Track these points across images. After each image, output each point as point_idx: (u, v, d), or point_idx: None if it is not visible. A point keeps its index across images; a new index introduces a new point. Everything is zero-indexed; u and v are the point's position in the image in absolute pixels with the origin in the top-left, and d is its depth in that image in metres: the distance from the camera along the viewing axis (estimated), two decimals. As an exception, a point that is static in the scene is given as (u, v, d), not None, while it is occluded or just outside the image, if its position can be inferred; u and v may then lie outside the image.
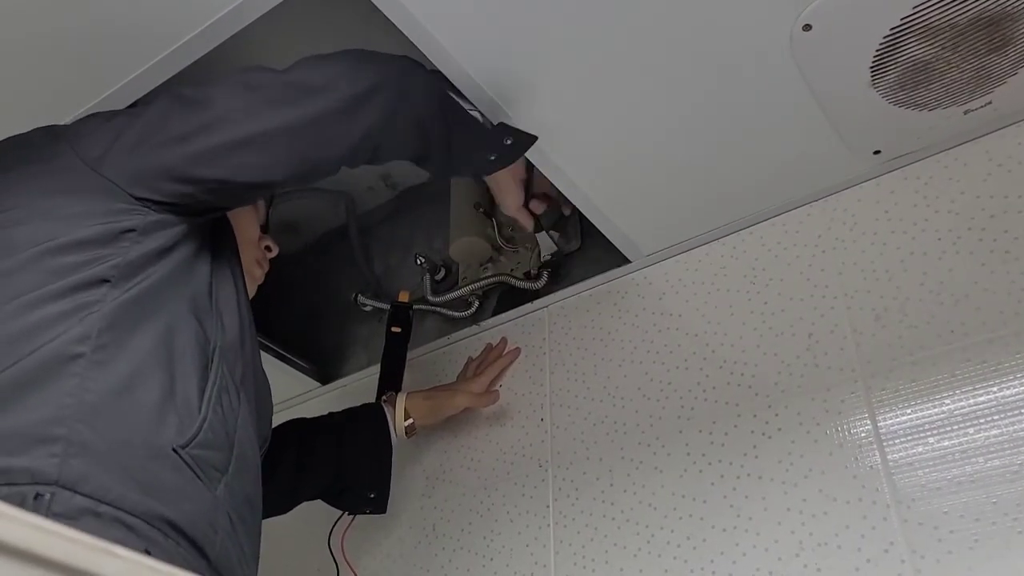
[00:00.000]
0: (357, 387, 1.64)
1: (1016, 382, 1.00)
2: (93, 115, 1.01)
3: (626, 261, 1.37)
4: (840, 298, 1.17)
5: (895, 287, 1.13)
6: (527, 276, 1.47)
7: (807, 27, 0.97)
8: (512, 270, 1.50)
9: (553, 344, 1.43)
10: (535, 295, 1.47)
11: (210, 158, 0.94)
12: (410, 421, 1.37)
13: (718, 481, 1.16)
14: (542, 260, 1.46)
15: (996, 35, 0.95)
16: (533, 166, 1.24)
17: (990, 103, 1.06)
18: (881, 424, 1.07)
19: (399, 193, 1.72)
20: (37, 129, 1.00)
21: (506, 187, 1.24)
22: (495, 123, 1.11)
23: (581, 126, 1.12)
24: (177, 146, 0.93)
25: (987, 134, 1.13)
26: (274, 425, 1.19)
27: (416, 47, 1.02)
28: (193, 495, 0.82)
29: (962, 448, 1.00)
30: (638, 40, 1.01)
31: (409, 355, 1.53)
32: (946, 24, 0.94)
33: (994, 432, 0.99)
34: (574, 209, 1.30)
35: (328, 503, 1.37)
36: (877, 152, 1.16)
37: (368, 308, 1.67)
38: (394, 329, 1.52)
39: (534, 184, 1.28)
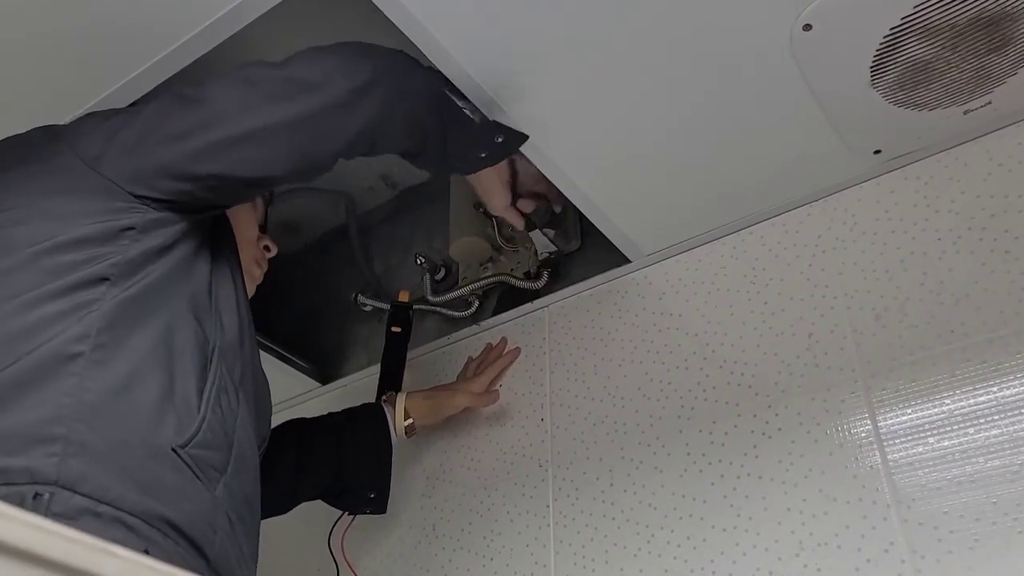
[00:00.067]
0: (357, 387, 1.64)
1: (1016, 382, 1.00)
2: (91, 114, 1.01)
3: (626, 261, 1.37)
4: (840, 298, 1.17)
5: (895, 287, 1.13)
6: (527, 276, 1.47)
7: (807, 27, 0.97)
8: (512, 270, 1.50)
9: (553, 344, 1.43)
10: (535, 295, 1.47)
11: (209, 154, 0.93)
12: (410, 421, 1.37)
13: (718, 481, 1.16)
14: (540, 259, 1.46)
15: (996, 35, 0.95)
16: (517, 169, 1.24)
17: (990, 103, 1.06)
18: (881, 424, 1.07)
19: (399, 193, 1.72)
20: (36, 129, 1.00)
21: (490, 187, 1.24)
22: (493, 120, 1.11)
23: (581, 126, 1.12)
24: (175, 143, 0.93)
25: (987, 134, 1.13)
26: (273, 425, 1.19)
27: (416, 47, 1.02)
28: (192, 495, 0.82)
29: (962, 448, 1.00)
30: (638, 40, 1.01)
31: (409, 355, 1.52)
32: (946, 24, 0.94)
33: (994, 432, 0.99)
34: (573, 208, 1.30)
35: (328, 503, 1.37)
36: (877, 152, 1.16)
37: (368, 308, 1.67)
38: (394, 329, 1.52)
39: (521, 183, 1.27)
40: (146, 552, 0.74)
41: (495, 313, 1.52)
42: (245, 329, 1.01)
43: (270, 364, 1.57)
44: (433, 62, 1.04)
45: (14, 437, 0.73)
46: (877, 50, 0.98)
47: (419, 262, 1.58)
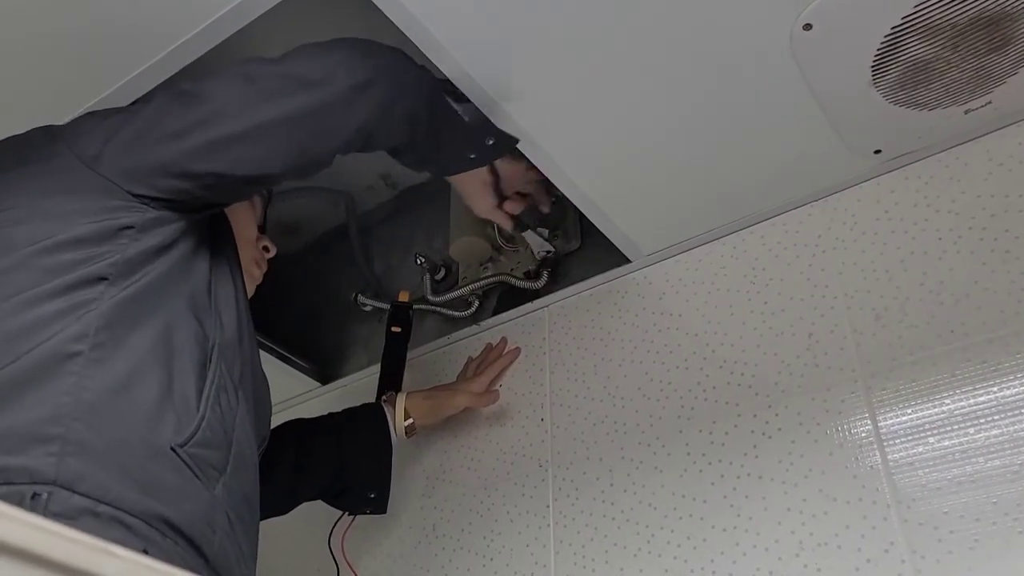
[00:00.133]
0: (357, 387, 1.64)
1: (1016, 382, 1.00)
2: (90, 114, 1.01)
3: (626, 261, 1.37)
4: (840, 298, 1.17)
5: (895, 287, 1.13)
6: (527, 276, 1.47)
7: (807, 26, 0.97)
8: (512, 270, 1.50)
9: (553, 344, 1.43)
10: (535, 295, 1.47)
11: (207, 152, 0.93)
12: (410, 421, 1.37)
13: (718, 481, 1.16)
14: (538, 259, 1.46)
15: (996, 35, 0.95)
16: (499, 171, 1.24)
17: (990, 103, 1.06)
18: (881, 424, 1.06)
19: (399, 193, 1.71)
20: (35, 129, 1.00)
21: (472, 190, 1.24)
22: (485, 122, 1.11)
23: (581, 125, 1.12)
24: (174, 142, 0.93)
25: (987, 133, 1.13)
26: (273, 425, 1.18)
27: (416, 46, 1.02)
28: (191, 494, 0.82)
29: (962, 448, 1.00)
30: (638, 40, 1.01)
31: (409, 355, 1.52)
32: (947, 24, 0.94)
33: (994, 432, 0.99)
34: (572, 208, 1.30)
35: (328, 503, 1.37)
36: (877, 152, 1.16)
37: (368, 308, 1.67)
38: (394, 329, 1.52)
39: (507, 185, 1.27)
40: (145, 552, 0.74)
41: (495, 313, 1.52)
42: (244, 328, 1.01)
43: (270, 364, 1.57)
44: (433, 62, 1.04)
45: (13, 436, 0.73)
46: (878, 50, 0.98)
47: (419, 262, 1.58)
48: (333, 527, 1.43)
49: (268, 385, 1.09)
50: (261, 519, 1.01)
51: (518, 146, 1.16)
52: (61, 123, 1.01)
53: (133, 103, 1.11)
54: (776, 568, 1.07)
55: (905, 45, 0.97)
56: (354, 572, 1.44)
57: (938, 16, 0.93)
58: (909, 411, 1.05)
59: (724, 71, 1.04)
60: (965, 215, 1.11)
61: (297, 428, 1.36)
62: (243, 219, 1.16)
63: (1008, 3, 0.92)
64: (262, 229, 1.24)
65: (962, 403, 1.02)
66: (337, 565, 1.42)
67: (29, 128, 1.01)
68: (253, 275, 1.19)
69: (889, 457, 1.04)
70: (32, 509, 0.70)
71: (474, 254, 1.51)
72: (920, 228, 1.14)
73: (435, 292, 1.57)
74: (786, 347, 1.18)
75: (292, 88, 0.96)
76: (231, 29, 1.04)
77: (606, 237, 1.31)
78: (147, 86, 1.11)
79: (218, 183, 0.96)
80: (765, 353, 1.20)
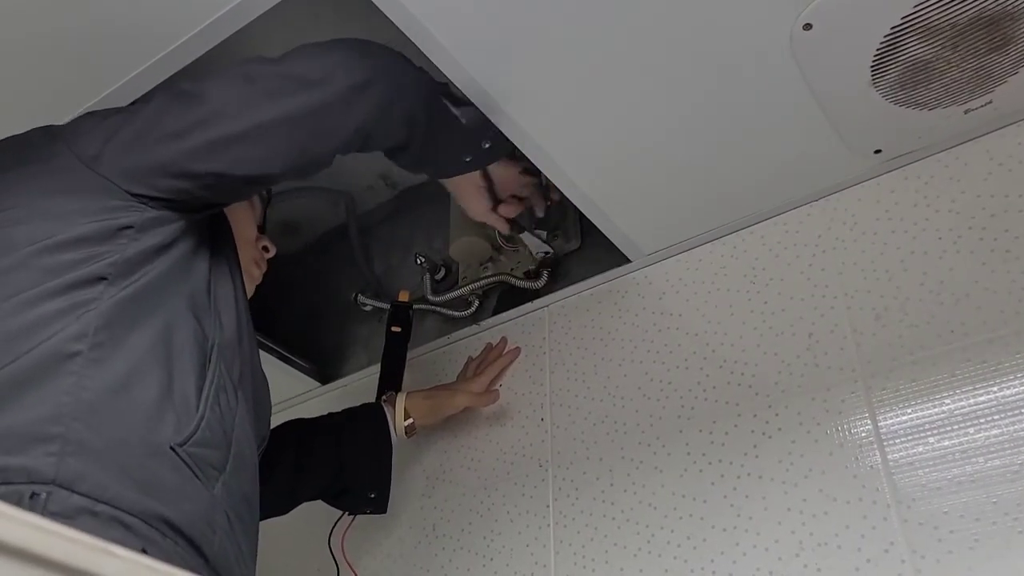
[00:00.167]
0: (357, 387, 1.64)
1: (1016, 382, 1.00)
2: (90, 114, 1.01)
3: (626, 261, 1.37)
4: (840, 298, 1.17)
5: (895, 287, 1.13)
6: (527, 275, 1.47)
7: (807, 26, 0.97)
8: (512, 269, 1.50)
9: (553, 344, 1.43)
10: (535, 295, 1.47)
11: (207, 152, 0.93)
12: (410, 421, 1.37)
13: (718, 481, 1.16)
14: (537, 260, 1.46)
15: (996, 34, 0.95)
16: (491, 175, 1.24)
17: (990, 102, 1.06)
18: (881, 424, 1.06)
19: (399, 193, 1.71)
20: (34, 129, 1.00)
21: (466, 193, 1.25)
22: (482, 125, 1.11)
23: (581, 125, 1.12)
24: (174, 142, 0.93)
25: (987, 133, 1.13)
26: (273, 425, 1.18)
27: (416, 46, 1.02)
28: (191, 494, 0.82)
29: (962, 448, 1.00)
30: (638, 40, 1.01)
31: (409, 355, 1.52)
32: (946, 23, 0.94)
33: (994, 432, 0.99)
34: (572, 207, 1.30)
35: (328, 503, 1.37)
36: (877, 152, 1.16)
37: (368, 308, 1.67)
38: (394, 329, 1.52)
39: (502, 188, 1.28)
40: (144, 551, 0.74)
41: (495, 313, 1.52)
42: (244, 328, 1.01)
43: (270, 364, 1.57)
44: (433, 62, 1.04)
45: (12, 436, 0.73)
46: (877, 49, 0.98)
47: (419, 262, 1.58)
48: (333, 527, 1.43)
49: (268, 385, 1.09)
50: (261, 519, 1.01)
51: (516, 147, 1.16)
52: (61, 123, 1.01)
53: (132, 103, 1.11)
54: (776, 568, 1.07)
55: (905, 45, 0.97)
56: (354, 572, 1.44)
57: (938, 16, 0.93)
58: (909, 411, 1.05)
59: (724, 71, 1.04)
60: (965, 215, 1.11)
61: (297, 428, 1.36)
62: (243, 219, 1.17)
63: (1008, 3, 0.92)
64: (262, 229, 1.24)
65: (962, 403, 1.02)
66: (337, 565, 1.42)
67: (29, 128, 1.01)
68: (253, 275, 1.19)
69: (889, 457, 1.04)
70: (31, 508, 0.70)
71: (474, 254, 1.51)
72: (920, 228, 1.14)
73: (435, 292, 1.57)
74: (786, 347, 1.18)
75: (292, 88, 0.97)
76: (231, 29, 1.04)
77: (606, 237, 1.31)
78: (147, 86, 1.11)
79: (218, 183, 0.96)
80: (765, 353, 1.20)
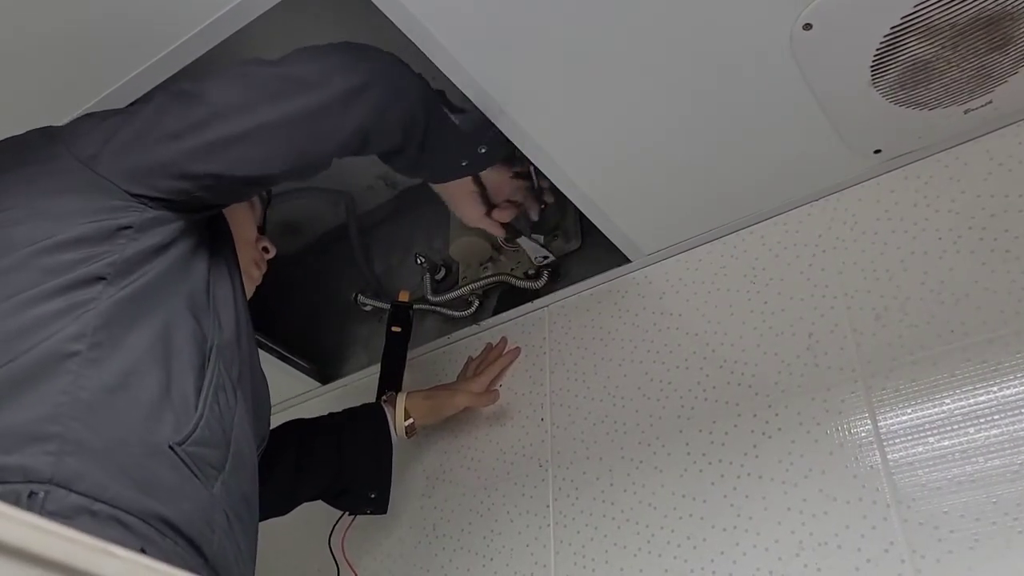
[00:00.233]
0: (357, 387, 1.64)
1: (1016, 382, 1.00)
2: (89, 115, 1.01)
3: (626, 261, 1.37)
4: (840, 298, 1.17)
5: (895, 287, 1.13)
6: (527, 276, 1.47)
7: (807, 26, 0.97)
8: (512, 269, 1.50)
9: (553, 344, 1.43)
10: (535, 295, 1.47)
11: (206, 153, 0.94)
12: (410, 421, 1.37)
13: (718, 481, 1.16)
14: (536, 265, 1.46)
15: (996, 34, 0.95)
16: (483, 181, 1.24)
17: (990, 102, 1.06)
18: (881, 424, 1.06)
19: (399, 193, 1.71)
20: (33, 130, 1.00)
21: (459, 199, 1.25)
22: (478, 131, 1.12)
23: (581, 125, 1.12)
24: (173, 142, 0.93)
25: (987, 133, 1.13)
26: (274, 426, 1.18)
27: (416, 47, 1.02)
28: (190, 493, 0.82)
29: (962, 448, 1.00)
30: (638, 40, 1.00)
31: (409, 355, 1.52)
32: (946, 23, 0.94)
33: (994, 432, 0.99)
34: (573, 207, 1.30)
35: (328, 503, 1.37)
36: (877, 151, 1.16)
37: (368, 308, 1.67)
38: (394, 329, 1.52)
39: (496, 193, 1.28)
40: (143, 550, 0.73)
41: (495, 313, 1.52)
42: (243, 328, 1.01)
43: (270, 364, 1.57)
44: (433, 62, 1.04)
45: (10, 435, 0.73)
46: (877, 49, 0.98)
47: (419, 262, 1.58)
48: (333, 527, 1.43)
49: (267, 385, 1.09)
50: (262, 519, 1.01)
51: (512, 152, 1.17)
52: (60, 124, 1.01)
53: (131, 104, 1.11)
54: (776, 568, 1.07)
55: (905, 45, 0.97)
56: (354, 572, 1.44)
57: (938, 16, 0.93)
58: (909, 411, 1.05)
59: (724, 71, 1.04)
60: (965, 215, 1.11)
61: (297, 428, 1.36)
62: (242, 220, 1.17)
63: (1008, 3, 0.92)
64: (262, 230, 1.25)
65: (962, 403, 1.02)
66: (337, 565, 1.42)
67: (28, 128, 1.01)
68: (252, 276, 1.19)
69: (889, 457, 1.04)
70: (28, 508, 0.69)
71: (474, 254, 1.51)
72: (920, 228, 1.14)
73: (435, 292, 1.57)
74: (786, 347, 1.18)
75: (290, 90, 0.97)
76: (231, 29, 1.04)
77: (606, 237, 1.31)
78: (147, 86, 1.11)
79: (217, 184, 0.96)
80: (765, 353, 1.20)
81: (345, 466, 1.32)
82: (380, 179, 1.68)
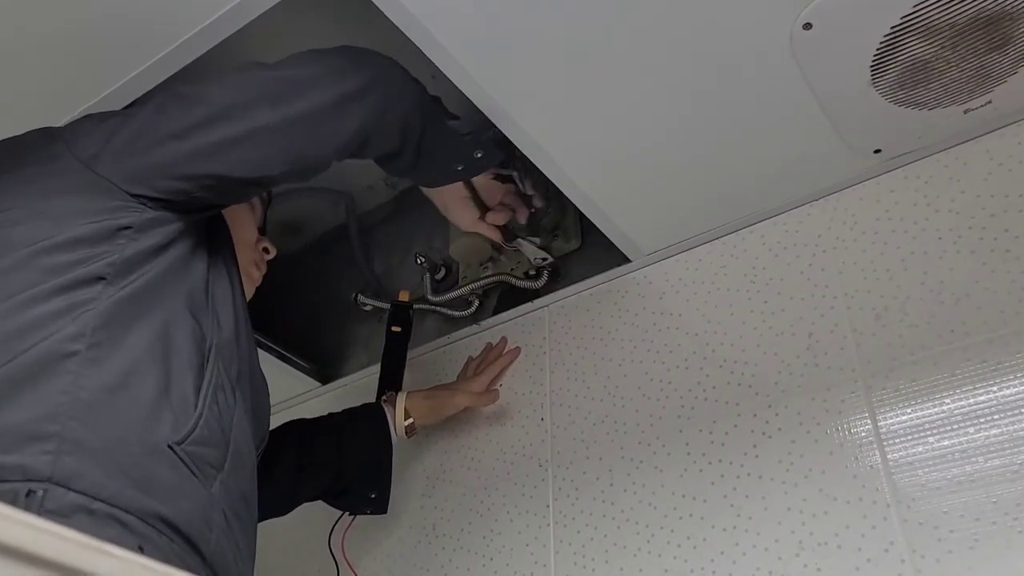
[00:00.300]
0: (357, 387, 1.64)
1: (1016, 382, 1.00)
2: (88, 116, 1.01)
3: (626, 260, 1.37)
4: (840, 298, 1.16)
5: (895, 286, 1.13)
6: (527, 275, 1.47)
7: (807, 26, 0.97)
8: (512, 269, 1.50)
9: (553, 343, 1.43)
10: (535, 294, 1.47)
11: (207, 154, 0.94)
12: (410, 421, 1.37)
13: (718, 480, 1.16)
14: (535, 267, 1.46)
15: (996, 34, 0.95)
16: (474, 185, 1.24)
17: (990, 102, 1.06)
18: (881, 424, 1.06)
19: (399, 193, 1.71)
20: (33, 131, 1.01)
21: (451, 205, 1.26)
22: (474, 135, 1.12)
23: (581, 126, 1.12)
24: (173, 143, 0.94)
25: (987, 133, 1.13)
26: (274, 426, 1.18)
27: (416, 47, 1.02)
28: (188, 492, 0.82)
29: (962, 448, 1.00)
30: (638, 40, 1.00)
31: (409, 355, 1.52)
32: (946, 23, 0.94)
33: (994, 432, 0.99)
34: (573, 207, 1.30)
35: (328, 504, 1.37)
36: (877, 151, 1.16)
37: (368, 308, 1.67)
38: (394, 329, 1.52)
39: (488, 197, 1.28)
40: (140, 549, 0.74)
41: (495, 313, 1.52)
42: (242, 327, 1.01)
43: (270, 364, 1.57)
44: (433, 62, 1.04)
45: (9, 435, 0.73)
46: (877, 49, 0.98)
47: (419, 262, 1.58)
48: (333, 527, 1.43)
49: (267, 385, 1.10)
50: (262, 520, 1.01)
51: (507, 156, 1.17)
52: (60, 124, 1.01)
53: (130, 105, 1.12)
54: (776, 568, 1.07)
55: (904, 45, 0.97)
56: (354, 572, 1.44)
57: (937, 16, 0.93)
58: (909, 411, 1.05)
59: (724, 71, 1.04)
60: (965, 215, 1.11)
61: (298, 428, 1.36)
62: (243, 221, 1.17)
63: (1008, 3, 0.92)
64: (262, 231, 1.25)
65: (962, 403, 1.02)
66: (337, 565, 1.42)
67: (28, 128, 1.01)
68: (252, 276, 1.19)
69: (889, 457, 1.04)
70: (27, 506, 0.70)
71: (474, 254, 1.51)
72: (920, 228, 1.14)
73: (435, 292, 1.57)
74: (786, 347, 1.18)
75: (290, 93, 0.98)
76: (231, 29, 1.04)
77: (606, 237, 1.31)
78: (147, 86, 1.11)
79: (217, 184, 0.97)
80: (765, 353, 1.20)
81: (345, 466, 1.32)
82: (380, 179, 1.68)
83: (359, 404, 1.40)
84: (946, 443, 1.01)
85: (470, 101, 1.10)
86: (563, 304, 1.46)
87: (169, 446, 0.81)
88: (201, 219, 1.01)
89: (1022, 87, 1.04)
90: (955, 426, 1.01)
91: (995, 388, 1.01)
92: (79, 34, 1.06)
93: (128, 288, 0.87)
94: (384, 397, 1.41)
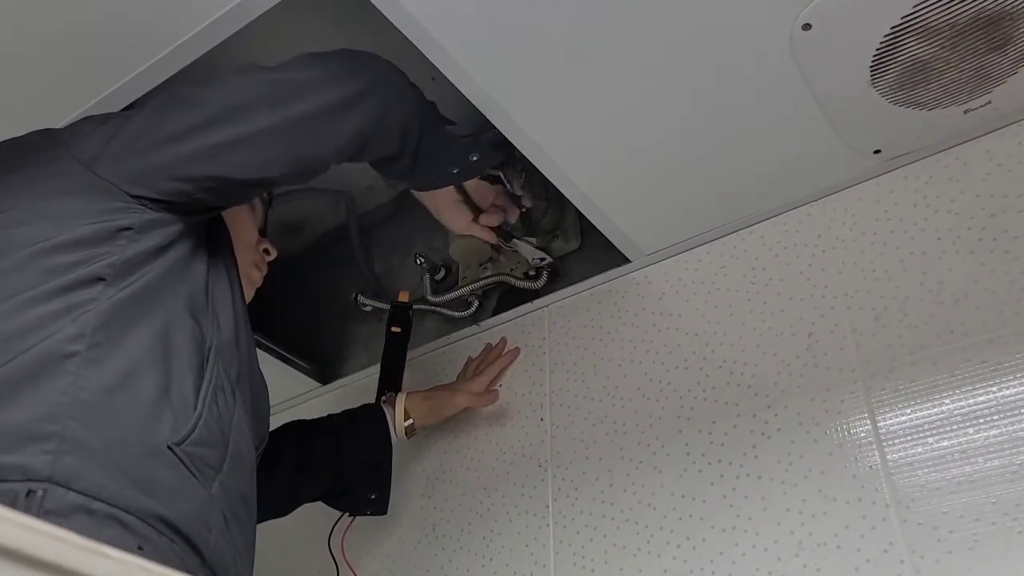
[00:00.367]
0: (357, 387, 1.64)
1: (1016, 382, 1.00)
2: (89, 117, 1.02)
3: (626, 261, 1.37)
4: (840, 298, 1.16)
5: (895, 287, 1.13)
6: (527, 276, 1.47)
7: (807, 26, 0.96)
8: (512, 270, 1.49)
9: (553, 344, 1.43)
10: (535, 295, 1.47)
11: (207, 156, 0.95)
12: (410, 421, 1.37)
13: (718, 481, 1.16)
14: (534, 267, 1.46)
15: (996, 34, 0.95)
16: (465, 188, 1.24)
17: (990, 102, 1.06)
18: (881, 424, 1.06)
19: (399, 194, 1.71)
20: (34, 132, 1.01)
21: (444, 209, 1.26)
22: (471, 139, 1.13)
23: (581, 126, 1.12)
24: (174, 144, 0.94)
25: (987, 133, 1.13)
26: (274, 427, 1.18)
27: (415, 47, 1.02)
28: (188, 493, 0.82)
29: (962, 448, 1.00)
30: (638, 40, 1.00)
31: (409, 355, 1.52)
32: (946, 23, 0.94)
33: (994, 432, 0.99)
34: (572, 207, 1.30)
35: (328, 504, 1.37)
36: (877, 152, 1.16)
37: (368, 308, 1.67)
38: (394, 329, 1.52)
39: (480, 199, 1.28)
40: (139, 549, 0.74)
41: (495, 313, 1.52)
42: (241, 328, 1.01)
43: (270, 364, 1.57)
44: (433, 62, 1.04)
45: (8, 435, 0.73)
46: (877, 49, 0.98)
47: (419, 262, 1.58)
48: (333, 527, 1.43)
49: (266, 386, 1.10)
50: (262, 521, 1.01)
51: (505, 158, 1.17)
52: (60, 125, 1.01)
53: (130, 106, 1.12)
54: (775, 568, 1.07)
55: (904, 45, 0.97)
56: (354, 572, 1.44)
57: (937, 16, 0.93)
58: (908, 411, 1.05)
59: (724, 71, 1.04)
60: (964, 215, 1.11)
61: (297, 429, 1.36)
62: (243, 222, 1.17)
63: (1007, 3, 0.92)
64: (263, 232, 1.25)
65: (962, 403, 1.02)
66: (337, 565, 1.42)
67: (28, 129, 1.01)
68: (252, 278, 1.19)
69: (888, 457, 1.04)
70: (27, 507, 0.70)
71: (474, 254, 1.51)
72: (920, 228, 1.14)
73: (435, 292, 1.57)
74: (786, 347, 1.18)
75: (289, 95, 0.98)
76: (230, 30, 1.04)
77: (606, 237, 1.31)
78: (147, 86, 1.11)
79: (217, 186, 0.97)
80: (765, 353, 1.20)
81: (345, 467, 1.32)
82: (380, 180, 1.68)
83: (359, 405, 1.40)
84: (945, 443, 1.01)
85: (470, 102, 1.10)
86: (563, 304, 1.46)
87: (169, 447, 0.81)
88: (201, 220, 1.01)
89: (1022, 87, 1.04)
90: (954, 427, 1.01)
91: (994, 388, 1.01)
92: (79, 34, 1.06)
93: (128, 289, 0.87)
94: (384, 398, 1.41)
